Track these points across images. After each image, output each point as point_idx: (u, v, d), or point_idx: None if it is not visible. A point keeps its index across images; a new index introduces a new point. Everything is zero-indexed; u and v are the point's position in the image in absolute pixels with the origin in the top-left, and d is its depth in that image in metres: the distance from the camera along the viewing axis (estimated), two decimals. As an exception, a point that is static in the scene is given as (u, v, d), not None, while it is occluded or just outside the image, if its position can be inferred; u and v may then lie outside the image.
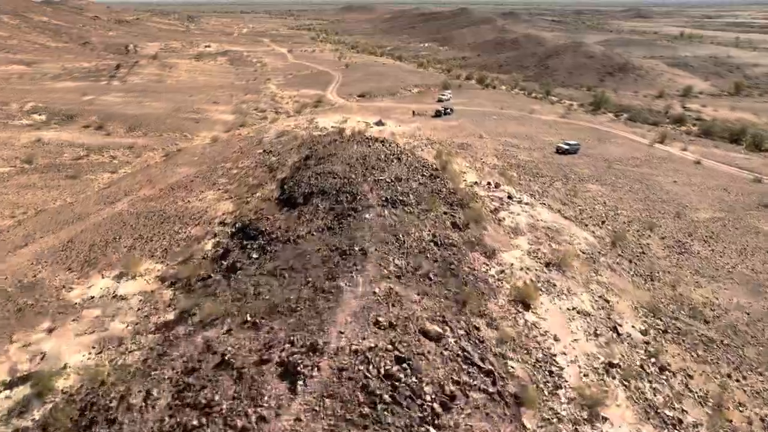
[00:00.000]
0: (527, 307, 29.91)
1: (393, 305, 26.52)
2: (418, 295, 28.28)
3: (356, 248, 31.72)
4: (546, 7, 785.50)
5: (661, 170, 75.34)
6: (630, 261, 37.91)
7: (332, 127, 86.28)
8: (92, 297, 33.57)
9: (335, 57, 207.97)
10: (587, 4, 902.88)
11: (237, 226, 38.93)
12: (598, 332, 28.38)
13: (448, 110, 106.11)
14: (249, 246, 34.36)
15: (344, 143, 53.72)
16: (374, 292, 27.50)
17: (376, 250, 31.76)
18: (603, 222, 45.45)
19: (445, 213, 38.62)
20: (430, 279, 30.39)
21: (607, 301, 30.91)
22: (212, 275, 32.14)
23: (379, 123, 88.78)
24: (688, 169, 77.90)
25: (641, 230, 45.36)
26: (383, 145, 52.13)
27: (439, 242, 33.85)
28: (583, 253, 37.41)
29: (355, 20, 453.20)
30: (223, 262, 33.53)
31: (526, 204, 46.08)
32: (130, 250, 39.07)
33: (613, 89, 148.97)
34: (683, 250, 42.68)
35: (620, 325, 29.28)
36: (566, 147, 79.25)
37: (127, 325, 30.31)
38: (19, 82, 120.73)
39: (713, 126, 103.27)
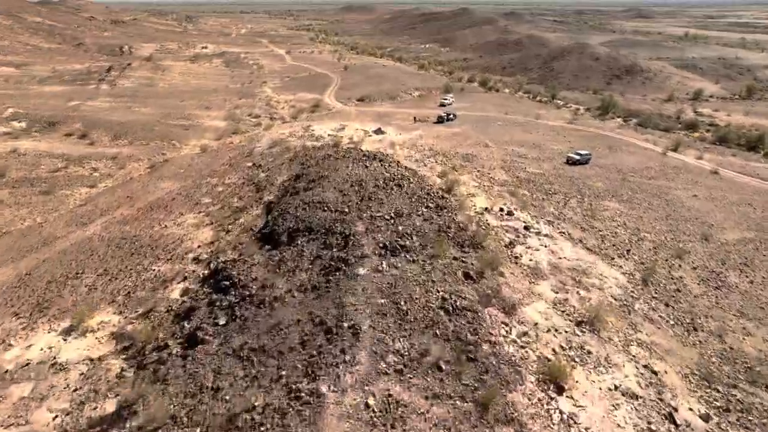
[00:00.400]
0: (560, 389, 24.32)
1: (392, 426, 21.10)
2: (426, 399, 22.63)
3: (345, 324, 26.07)
4: (546, 7, 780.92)
5: (679, 182, 70.39)
6: (667, 305, 32.81)
7: (329, 135, 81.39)
8: (28, 362, 28.40)
9: (334, 58, 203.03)
10: (588, 4, 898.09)
11: (211, 266, 33.76)
12: (651, 424, 22.99)
13: (451, 116, 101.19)
14: (218, 303, 28.78)
15: (339, 160, 48.61)
16: (367, 404, 21.95)
17: (371, 326, 26.23)
18: (628, 251, 40.43)
19: (455, 259, 32.44)
20: (441, 370, 24.44)
21: (654, 373, 25.71)
22: (170, 344, 26.83)
23: (379, 131, 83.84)
24: (707, 180, 72.95)
25: (670, 259, 40.43)
26: (382, 166, 46.73)
27: (450, 307, 27.67)
28: (616, 300, 32.04)
29: (355, 21, 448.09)
30: (185, 324, 28.15)
31: (545, 236, 40.80)
32: (90, 291, 34.11)
33: (621, 92, 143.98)
34: (720, 284, 37.79)
35: (676, 410, 23.73)
36: (577, 157, 74.33)
37: (56, 416, 24.92)
38: (3, 86, 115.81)
39: (729, 132, 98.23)
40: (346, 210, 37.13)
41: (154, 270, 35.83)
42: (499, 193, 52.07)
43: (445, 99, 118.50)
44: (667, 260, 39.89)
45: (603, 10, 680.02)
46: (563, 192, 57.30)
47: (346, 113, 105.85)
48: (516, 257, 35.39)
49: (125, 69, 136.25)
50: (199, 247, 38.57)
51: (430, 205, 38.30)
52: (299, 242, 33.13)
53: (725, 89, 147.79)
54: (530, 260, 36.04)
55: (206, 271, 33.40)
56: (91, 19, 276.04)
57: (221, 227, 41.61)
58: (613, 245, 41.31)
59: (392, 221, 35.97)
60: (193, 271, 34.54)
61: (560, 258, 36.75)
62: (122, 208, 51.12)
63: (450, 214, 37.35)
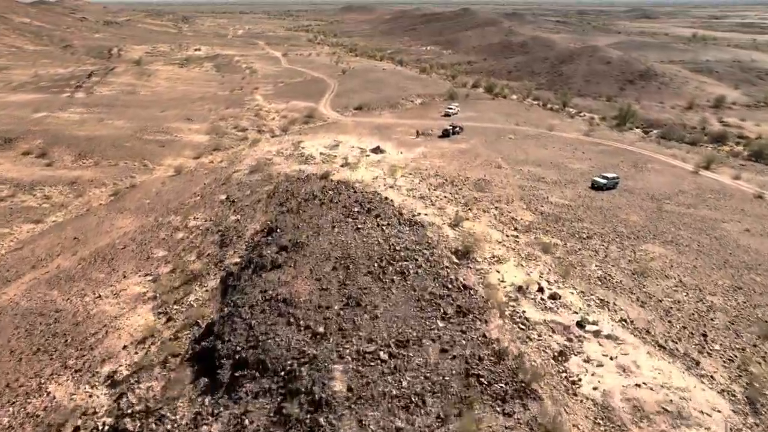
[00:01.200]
0: None
1: None
2: None
3: None
4: (547, 7, 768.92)
5: (724, 212, 60.52)
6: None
7: (321, 155, 71.50)
8: None
9: (332, 61, 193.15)
10: (589, 4, 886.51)
11: (109, 424, 22.73)
12: None
13: (457, 129, 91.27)
14: None
15: (324, 207, 39.01)
16: None
17: None
18: (705, 336, 30.49)
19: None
20: None
21: None
22: None
23: (377, 150, 73.98)
24: (754, 207, 63.06)
25: (760, 345, 30.53)
26: (379, 226, 36.38)
27: None
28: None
29: (355, 21, 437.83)
30: None
31: (607, 338, 29.67)
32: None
33: (635, 99, 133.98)
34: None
35: None
36: (603, 182, 64.47)
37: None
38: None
39: (765, 147, 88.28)
40: (321, 330, 25.40)
41: (47, 394, 25.62)
42: (529, 252, 41.82)
43: (450, 108, 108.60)
44: (756, 346, 30.06)
45: (605, 10, 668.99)
46: (599, 233, 47.42)
47: (342, 125, 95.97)
48: (573, 383, 24.62)
49: (107, 74, 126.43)
50: (125, 348, 28.70)
51: (447, 311, 26.80)
52: (244, 390, 21.87)
53: (747, 95, 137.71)
54: (595, 389, 24.97)
55: (108, 420, 23.17)
56: (83, 20, 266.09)
57: (163, 309, 31.79)
58: (684, 327, 31.46)
59: (391, 363, 23.43)
60: (94, 412, 24.45)
61: (637, 384, 25.61)
62: (62, 257, 41.48)
63: (478, 326, 26.09)
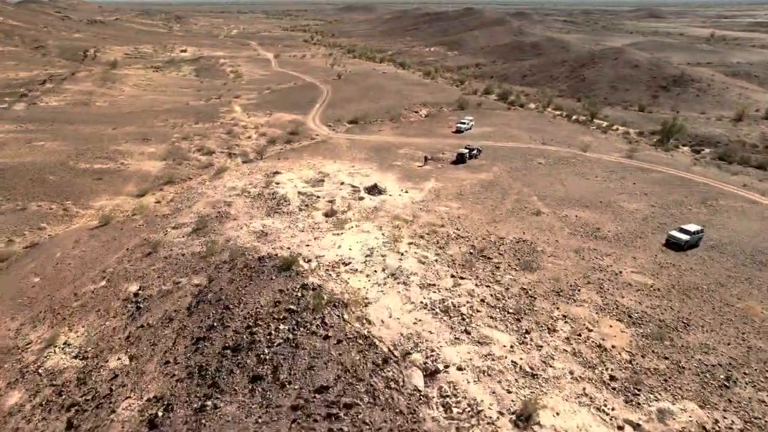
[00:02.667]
0: None
1: None
2: None
3: None
4: (551, 6, 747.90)
5: None
6: None
7: (299, 195, 53.14)
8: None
9: (327, 64, 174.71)
10: (594, 3, 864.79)
11: None
12: None
13: (474, 151, 72.83)
14: None
15: (269, 375, 21.12)
16: None
17: None
18: None
19: None
20: None
21: None
22: None
23: (374, 190, 55.38)
24: None
25: None
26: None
27: None
28: None
29: (354, 21, 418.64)
30: None
31: None
32: None
33: (671, 108, 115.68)
34: None
35: None
36: (686, 239, 46.04)
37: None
38: None
39: None
40: None
41: None
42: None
43: (463, 122, 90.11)
44: None
45: (610, 10, 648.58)
46: (732, 359, 29.03)
47: (333, 146, 77.63)
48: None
49: (65, 80, 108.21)
50: None
51: None
52: None
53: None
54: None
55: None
56: (65, 18, 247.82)
57: None
58: None
59: None
60: None
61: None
62: None
63: None
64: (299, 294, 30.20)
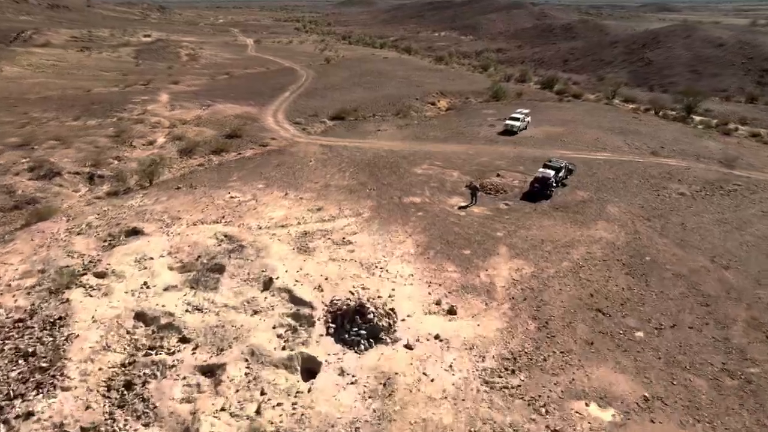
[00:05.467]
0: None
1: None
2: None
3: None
4: (555, 3, 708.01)
5: None
6: None
7: (124, 342, 17.38)
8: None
9: (317, 49, 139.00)
10: None
11: None
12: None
13: (562, 175, 36.83)
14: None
15: None
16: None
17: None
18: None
19: None
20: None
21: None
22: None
23: (358, 329, 18.80)
24: None
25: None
26: None
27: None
28: None
29: (353, 14, 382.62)
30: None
31: None
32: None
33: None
34: None
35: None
36: None
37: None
38: None
39: None
40: None
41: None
42: None
43: (516, 118, 53.88)
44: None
45: (619, 4, 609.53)
46: None
47: (294, 160, 41.99)
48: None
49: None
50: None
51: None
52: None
53: None
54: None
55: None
56: (19, 2, 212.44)
57: None
58: None
59: None
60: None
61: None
62: None
63: None
64: None
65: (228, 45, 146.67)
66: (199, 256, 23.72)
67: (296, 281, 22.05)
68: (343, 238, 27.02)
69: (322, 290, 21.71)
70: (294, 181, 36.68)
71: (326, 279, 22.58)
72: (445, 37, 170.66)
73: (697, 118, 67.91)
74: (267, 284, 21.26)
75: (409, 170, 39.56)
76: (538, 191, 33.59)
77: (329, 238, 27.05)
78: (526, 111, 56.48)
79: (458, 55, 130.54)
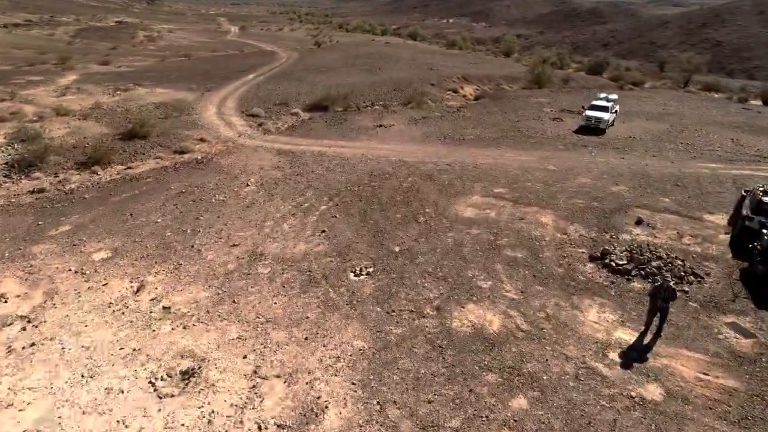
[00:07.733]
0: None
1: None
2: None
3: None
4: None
5: None
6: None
7: None
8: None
9: (308, 35, 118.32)
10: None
11: None
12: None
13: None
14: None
15: None
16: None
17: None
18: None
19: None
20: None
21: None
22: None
23: None
24: None
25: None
26: None
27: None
28: None
29: (353, 7, 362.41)
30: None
31: None
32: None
33: None
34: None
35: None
36: None
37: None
38: None
39: None
40: None
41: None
42: None
43: (601, 109, 32.84)
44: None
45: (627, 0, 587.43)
46: None
47: (202, 200, 21.29)
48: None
49: None
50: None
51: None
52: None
53: None
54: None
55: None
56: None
57: None
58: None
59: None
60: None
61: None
62: None
63: None
64: None
65: (207, 31, 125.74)
66: None
67: None
68: None
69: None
70: (180, 248, 15.91)
71: None
72: (455, 23, 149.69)
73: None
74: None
75: (447, 210, 18.78)
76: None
77: None
78: (614, 97, 35.53)
79: (472, 42, 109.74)
